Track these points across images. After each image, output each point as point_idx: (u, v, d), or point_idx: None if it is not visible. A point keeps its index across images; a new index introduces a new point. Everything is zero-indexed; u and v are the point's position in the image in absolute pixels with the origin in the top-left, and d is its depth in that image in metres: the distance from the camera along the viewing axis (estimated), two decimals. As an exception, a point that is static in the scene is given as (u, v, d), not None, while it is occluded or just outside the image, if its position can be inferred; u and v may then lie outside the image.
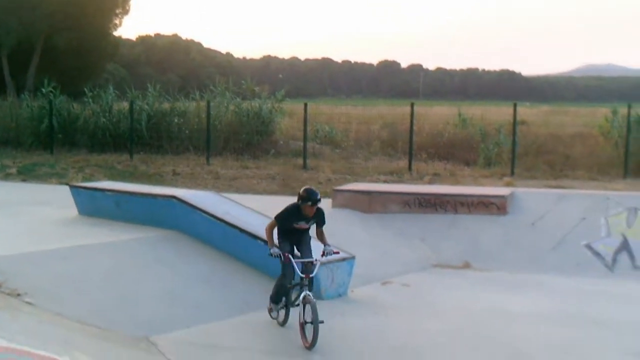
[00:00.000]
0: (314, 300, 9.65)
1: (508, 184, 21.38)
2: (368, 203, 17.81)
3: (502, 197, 17.72)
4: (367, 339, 10.51)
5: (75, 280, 11.14)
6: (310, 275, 9.81)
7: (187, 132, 30.28)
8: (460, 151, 27.51)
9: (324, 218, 10.19)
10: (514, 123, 25.70)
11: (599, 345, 10.64)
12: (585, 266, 15.57)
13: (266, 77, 63.15)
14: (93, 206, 15.98)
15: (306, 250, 10.22)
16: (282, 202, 18.99)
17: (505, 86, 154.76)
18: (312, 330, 9.43)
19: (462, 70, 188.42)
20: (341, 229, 15.67)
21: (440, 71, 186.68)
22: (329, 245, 10.06)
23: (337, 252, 10.44)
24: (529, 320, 11.84)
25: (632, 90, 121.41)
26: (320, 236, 10.24)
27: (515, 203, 17.77)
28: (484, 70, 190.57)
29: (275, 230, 10.30)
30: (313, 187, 10.11)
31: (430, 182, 22.30)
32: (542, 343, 10.68)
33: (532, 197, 18.23)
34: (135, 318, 10.60)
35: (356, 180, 21.60)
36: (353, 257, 13.22)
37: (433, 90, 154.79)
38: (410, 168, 25.11)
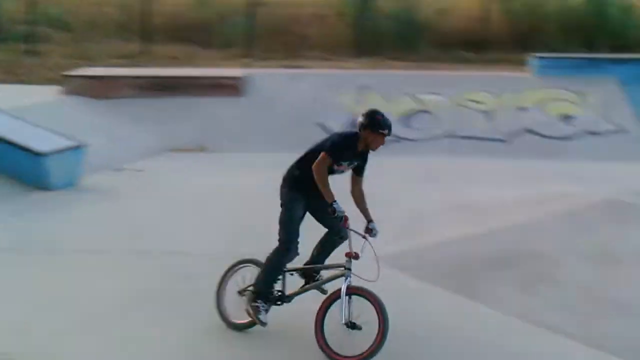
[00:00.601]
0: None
1: (245, 66, 21.38)
2: (101, 88, 17.16)
3: (238, 78, 17.76)
4: (98, 224, 10.24)
5: None
6: (360, 255, 6.28)
7: None
8: (198, 33, 26.95)
9: (367, 159, 6.71)
10: (252, 4, 25.56)
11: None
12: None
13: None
14: None
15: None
16: (6, 91, 17.89)
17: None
18: (379, 335, 5.96)
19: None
20: (72, 117, 15.07)
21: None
22: (372, 221, 6.48)
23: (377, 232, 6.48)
24: (264, 196, 12.02)
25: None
26: (360, 197, 6.60)
27: (252, 84, 17.86)
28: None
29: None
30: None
31: (166, 66, 21.77)
32: (275, 216, 10.91)
33: (268, 78, 18.42)
34: None
35: (88, 65, 20.59)
36: (84, 146, 12.74)
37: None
38: (145, 51, 24.34)
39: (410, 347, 6.32)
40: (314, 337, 6.16)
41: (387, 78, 18.78)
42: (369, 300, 6.07)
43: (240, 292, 6.78)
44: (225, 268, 6.88)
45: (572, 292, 7.44)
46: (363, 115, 6.53)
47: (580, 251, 8.24)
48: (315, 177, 6.34)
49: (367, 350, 5.94)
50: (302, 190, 6.58)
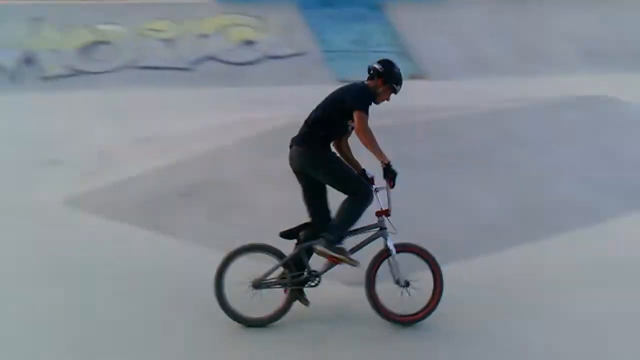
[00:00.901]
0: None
1: None
2: None
3: None
4: None
5: None
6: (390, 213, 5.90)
7: None
8: None
9: None
10: None
11: (12, 158, 10.32)
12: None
13: None
14: None
15: None
16: None
17: None
18: (437, 291, 5.82)
19: None
20: None
21: None
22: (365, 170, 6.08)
23: None
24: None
25: None
26: (348, 149, 6.14)
27: None
28: None
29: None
30: None
31: None
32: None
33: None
34: None
35: None
36: None
37: None
38: None
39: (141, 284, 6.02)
40: (368, 301, 5.73)
41: (62, 8, 17.77)
42: (420, 256, 5.83)
43: (257, 284, 5.83)
44: (225, 255, 5.75)
45: (263, 217, 7.56)
46: (380, 62, 5.95)
47: (268, 175, 8.37)
48: (365, 138, 5.62)
49: (426, 307, 5.80)
50: (330, 149, 5.95)
